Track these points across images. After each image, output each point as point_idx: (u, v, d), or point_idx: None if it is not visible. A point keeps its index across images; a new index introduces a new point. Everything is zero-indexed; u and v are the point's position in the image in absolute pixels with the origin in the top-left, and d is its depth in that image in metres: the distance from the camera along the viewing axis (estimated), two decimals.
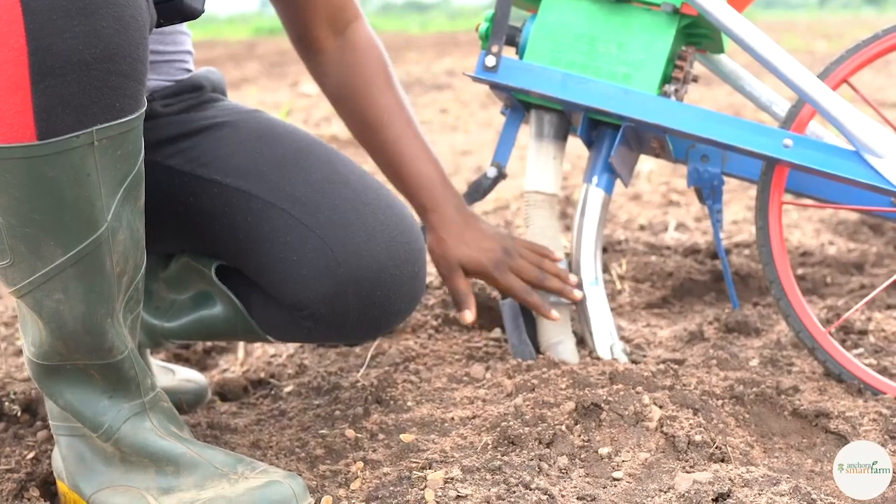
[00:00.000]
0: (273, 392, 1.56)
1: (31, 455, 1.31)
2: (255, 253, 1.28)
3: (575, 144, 1.68)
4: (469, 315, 1.50)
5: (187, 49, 1.40)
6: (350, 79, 1.48)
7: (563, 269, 1.54)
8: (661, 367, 1.44)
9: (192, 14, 1.08)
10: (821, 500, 1.09)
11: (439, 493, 1.12)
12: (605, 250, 2.23)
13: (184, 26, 1.39)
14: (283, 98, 5.67)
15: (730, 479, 1.13)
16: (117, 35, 0.95)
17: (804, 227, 2.53)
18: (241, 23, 17.34)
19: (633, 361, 1.55)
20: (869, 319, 1.73)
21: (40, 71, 0.93)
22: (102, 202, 1.01)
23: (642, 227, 2.58)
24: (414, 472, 1.20)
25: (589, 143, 1.57)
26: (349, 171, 1.31)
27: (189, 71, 1.40)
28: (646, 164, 3.48)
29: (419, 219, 1.52)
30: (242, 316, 1.35)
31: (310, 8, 1.43)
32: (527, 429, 1.26)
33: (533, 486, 1.13)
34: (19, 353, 1.76)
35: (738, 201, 2.89)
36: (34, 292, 1.03)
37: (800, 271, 2.08)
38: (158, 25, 1.08)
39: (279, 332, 1.35)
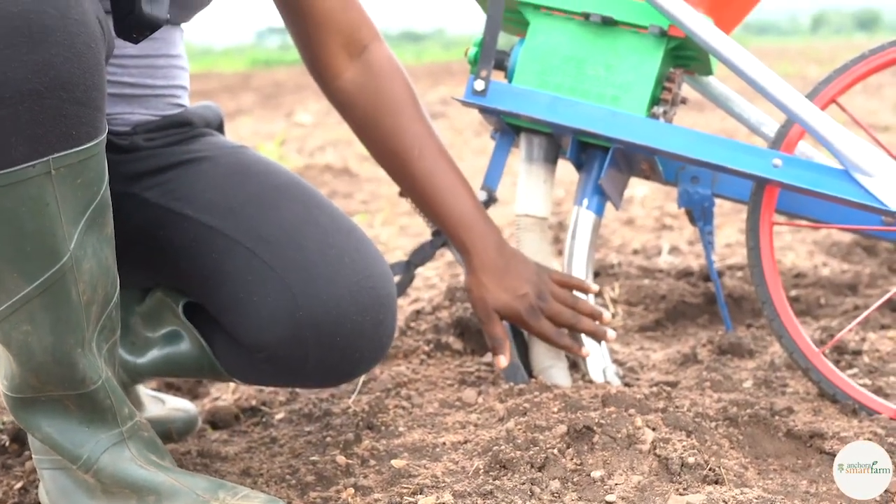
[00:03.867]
0: (264, 419, 1.55)
1: (19, 485, 1.30)
2: (217, 291, 1.25)
3: (570, 171, 1.68)
4: (503, 360, 1.47)
5: (180, 84, 1.36)
6: (375, 107, 1.42)
7: (597, 307, 1.50)
8: (654, 389, 1.44)
9: (153, 24, 1.05)
10: None
11: None
12: (598, 274, 2.22)
13: (181, 60, 1.37)
14: (278, 128, 5.68)
15: (724, 501, 1.12)
16: (69, 63, 0.94)
17: (798, 248, 2.52)
18: (236, 55, 17.44)
19: (626, 384, 1.55)
20: (863, 340, 1.72)
21: None
22: (64, 231, 0.99)
23: (636, 252, 2.58)
24: (405, 497, 1.19)
25: (578, 166, 1.57)
26: (321, 211, 1.28)
27: (181, 106, 1.37)
28: (639, 188, 3.48)
29: (459, 257, 1.48)
30: (207, 355, 1.32)
31: (322, 26, 1.36)
32: (518, 452, 1.25)
33: None
34: None
35: (731, 224, 2.89)
36: (1, 325, 1.02)
37: (794, 293, 2.07)
38: (135, 41, 1.07)
39: (242, 373, 1.33)
